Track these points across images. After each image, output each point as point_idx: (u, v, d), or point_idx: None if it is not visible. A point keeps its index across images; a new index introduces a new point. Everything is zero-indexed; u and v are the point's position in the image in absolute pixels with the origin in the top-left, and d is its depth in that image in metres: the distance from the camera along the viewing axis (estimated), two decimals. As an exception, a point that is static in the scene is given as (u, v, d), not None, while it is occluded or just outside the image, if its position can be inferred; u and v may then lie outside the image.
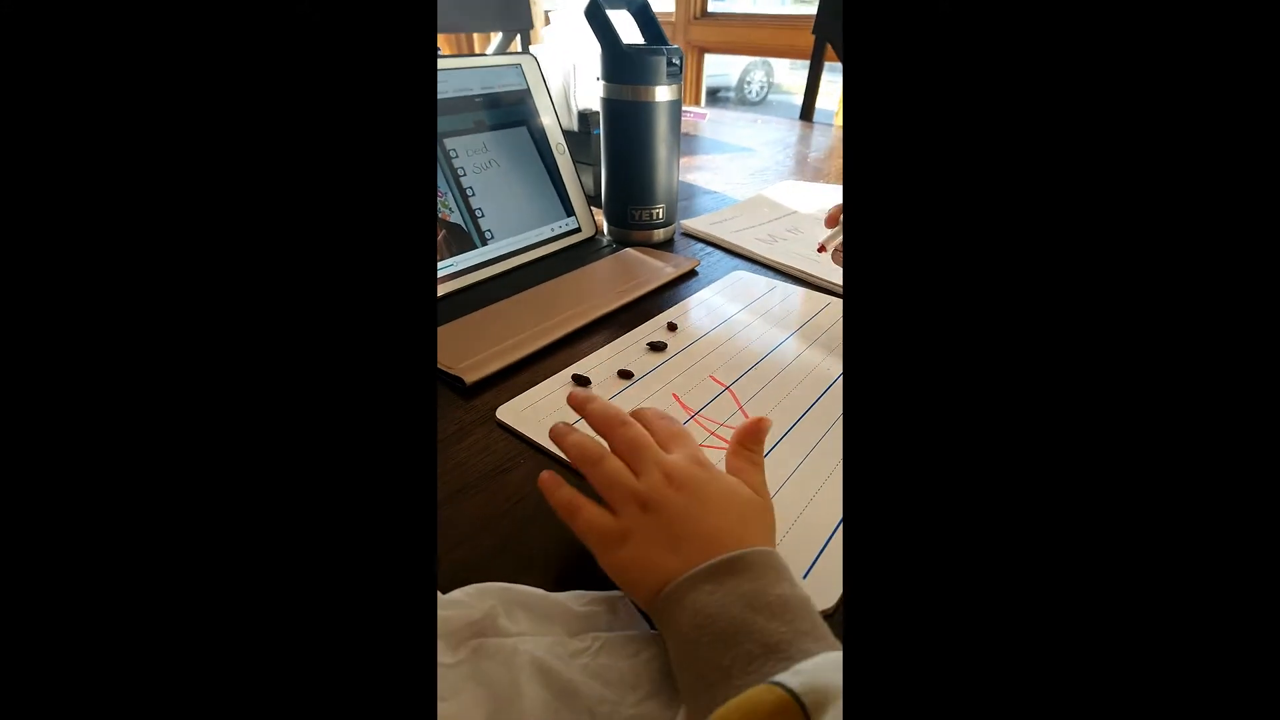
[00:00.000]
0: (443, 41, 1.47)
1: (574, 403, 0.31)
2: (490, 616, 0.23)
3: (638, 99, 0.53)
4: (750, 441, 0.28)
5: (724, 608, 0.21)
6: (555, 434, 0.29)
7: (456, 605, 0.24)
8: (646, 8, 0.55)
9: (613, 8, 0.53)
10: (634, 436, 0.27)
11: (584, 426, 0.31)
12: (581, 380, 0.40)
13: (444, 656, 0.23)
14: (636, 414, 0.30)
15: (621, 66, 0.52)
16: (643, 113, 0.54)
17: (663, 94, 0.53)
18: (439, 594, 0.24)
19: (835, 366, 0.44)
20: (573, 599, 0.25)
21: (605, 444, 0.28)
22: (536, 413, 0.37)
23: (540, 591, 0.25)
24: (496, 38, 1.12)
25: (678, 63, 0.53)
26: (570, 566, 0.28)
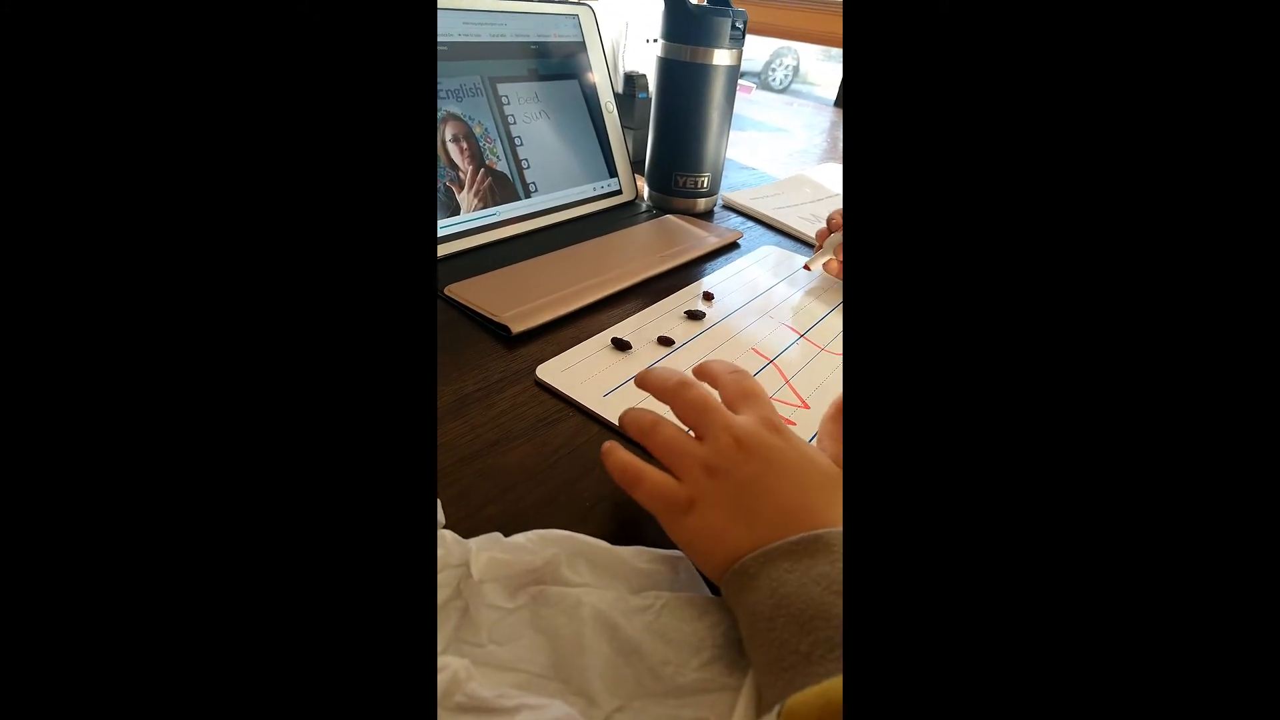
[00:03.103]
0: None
1: (637, 382, 0.29)
2: (553, 564, 0.23)
3: (696, 60, 0.51)
4: (838, 413, 0.27)
5: (803, 588, 0.20)
6: (620, 420, 0.28)
7: (518, 550, 0.23)
8: (713, -34, 0.53)
9: (679, -38, 0.51)
10: (696, 398, 0.26)
11: (624, 391, 0.30)
12: (621, 344, 0.39)
13: (502, 600, 0.22)
14: (704, 368, 0.28)
15: (684, 25, 0.50)
16: (700, 75, 0.52)
17: (722, 58, 0.51)
18: (501, 536, 0.24)
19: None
20: (635, 555, 0.24)
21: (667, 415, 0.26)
22: (577, 374, 0.36)
23: (604, 544, 0.24)
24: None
25: (741, 26, 0.51)
26: (626, 521, 0.27)
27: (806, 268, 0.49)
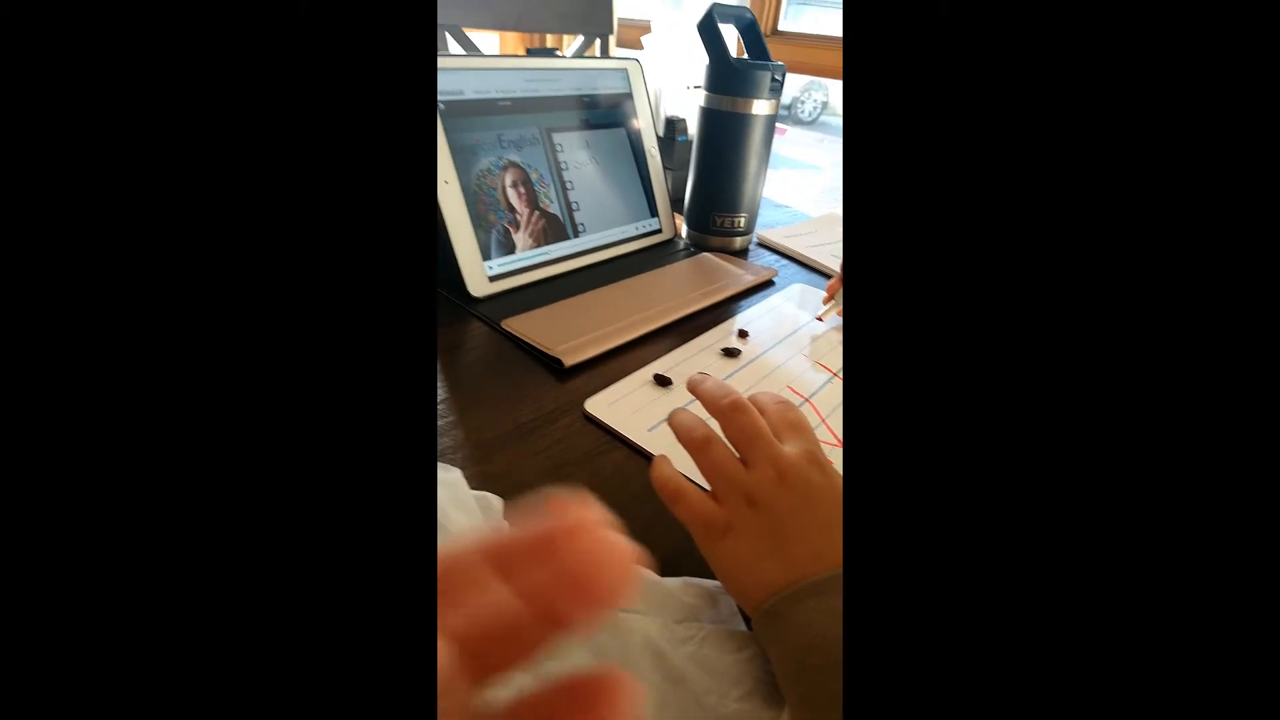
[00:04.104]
0: (520, 41, 1.50)
1: (689, 385, 0.30)
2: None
3: (736, 110, 0.54)
4: None
5: (831, 628, 0.20)
6: (671, 420, 0.28)
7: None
8: (754, 25, 0.57)
9: (723, 22, 0.54)
10: (748, 423, 0.25)
11: (668, 427, 0.32)
12: (663, 380, 0.41)
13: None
14: (751, 399, 0.29)
15: (727, 78, 0.53)
16: (740, 123, 0.55)
17: (761, 108, 0.55)
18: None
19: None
20: (680, 586, 0.26)
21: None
22: (622, 409, 0.38)
23: (651, 574, 0.26)
24: (574, 42, 1.15)
25: (780, 79, 0.54)
26: (675, 551, 0.29)
27: (819, 319, 0.51)
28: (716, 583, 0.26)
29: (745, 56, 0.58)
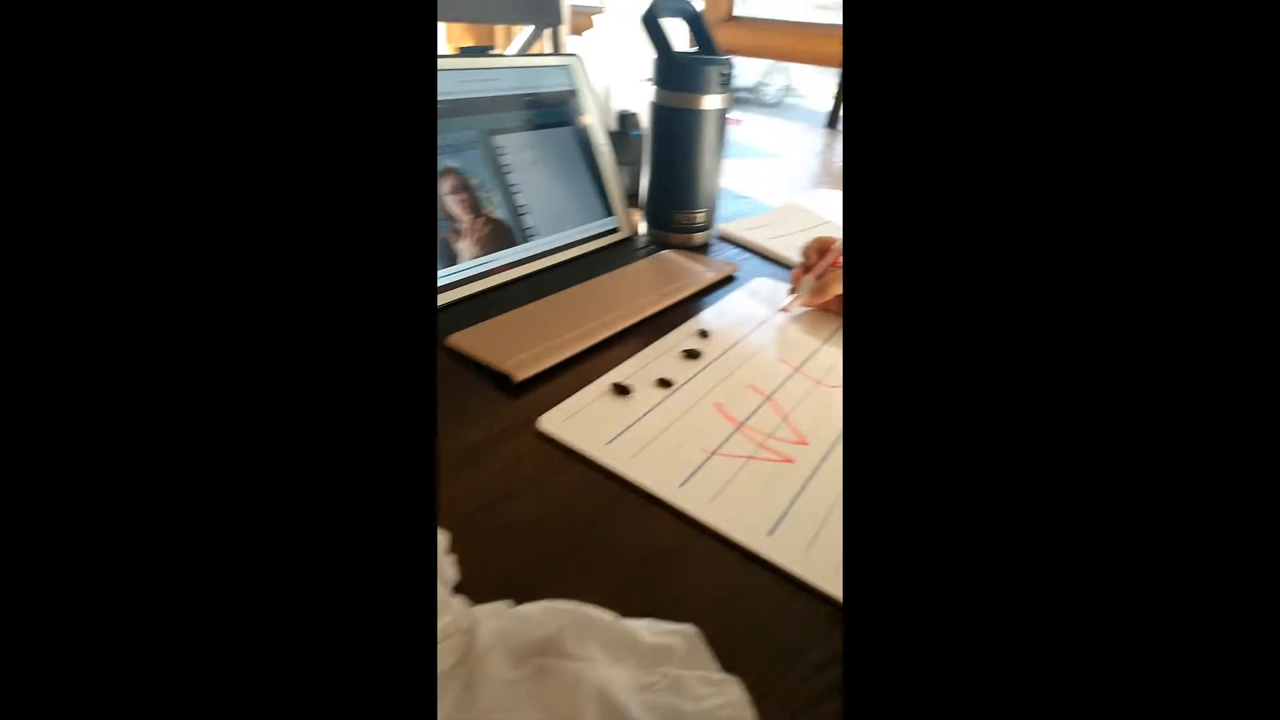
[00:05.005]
0: (466, 31, 1.46)
1: None
2: (559, 636, 0.23)
3: (687, 106, 0.53)
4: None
5: None
6: None
7: (525, 620, 0.24)
8: (699, 17, 0.55)
9: (667, 15, 0.53)
10: None
11: (627, 437, 0.30)
12: (622, 389, 0.40)
13: (506, 670, 0.23)
14: None
15: (674, 74, 0.52)
16: (692, 120, 0.53)
17: (712, 102, 0.53)
18: (511, 605, 0.24)
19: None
20: (645, 628, 0.25)
21: None
22: (578, 423, 0.37)
23: (611, 618, 0.24)
24: (522, 32, 1.12)
25: (729, 73, 0.53)
26: (634, 575, 0.28)
27: (784, 309, 0.50)
28: (687, 625, 0.24)
29: (695, 49, 0.56)
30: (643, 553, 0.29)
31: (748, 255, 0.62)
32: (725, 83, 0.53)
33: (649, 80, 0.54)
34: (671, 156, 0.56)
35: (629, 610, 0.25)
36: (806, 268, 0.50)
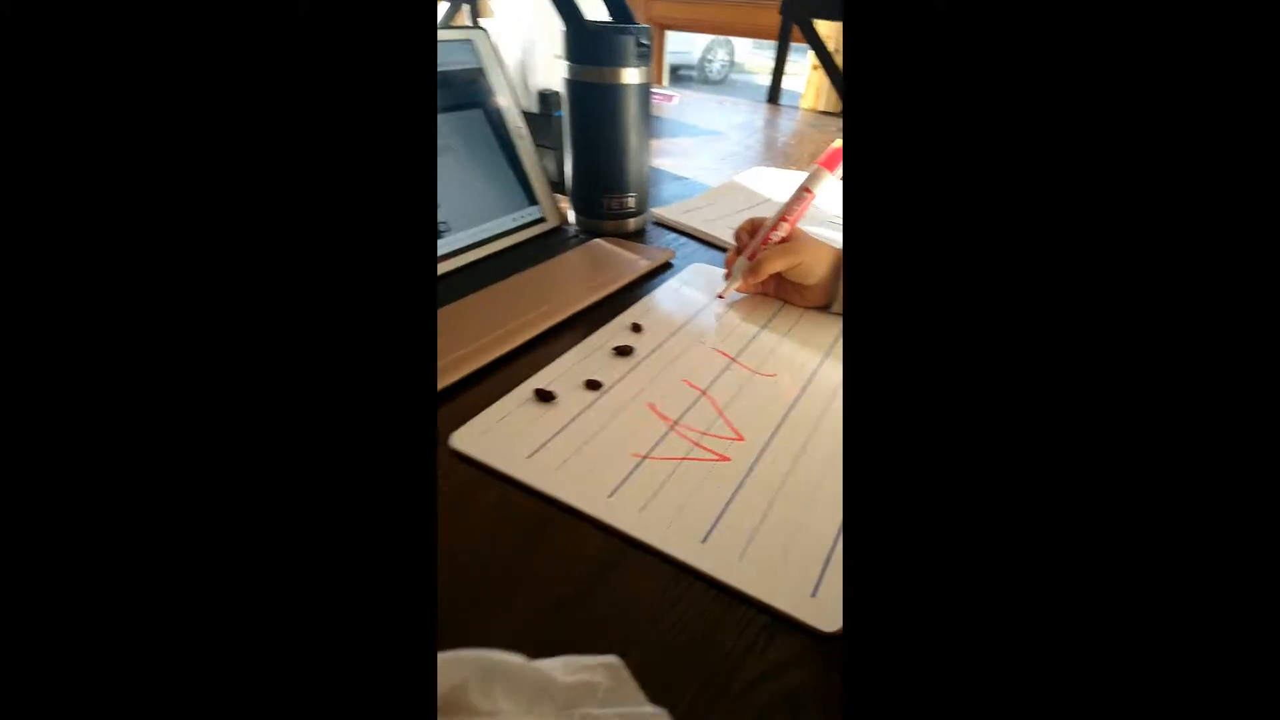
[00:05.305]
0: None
1: None
2: (459, 690, 0.21)
3: (604, 81, 0.49)
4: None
5: None
6: None
7: (418, 674, 0.21)
8: (611, -20, 0.51)
9: (575, -21, 0.49)
10: None
11: (551, 448, 0.28)
12: (545, 395, 0.37)
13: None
14: None
15: (587, 46, 0.48)
16: (611, 95, 0.50)
17: (631, 76, 0.50)
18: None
19: (811, 361, 0.42)
20: (561, 667, 0.22)
21: None
22: (496, 437, 0.34)
23: (520, 660, 0.22)
24: (442, 7, 1.05)
25: (647, 43, 0.49)
26: (557, 603, 0.25)
27: (720, 296, 0.48)
28: (610, 656, 0.22)
29: (609, 20, 0.53)
30: (567, 577, 0.27)
31: (685, 240, 0.59)
32: (644, 54, 0.49)
33: (560, 56, 0.50)
34: (592, 137, 0.52)
35: (551, 645, 0.22)
36: (739, 250, 0.48)
